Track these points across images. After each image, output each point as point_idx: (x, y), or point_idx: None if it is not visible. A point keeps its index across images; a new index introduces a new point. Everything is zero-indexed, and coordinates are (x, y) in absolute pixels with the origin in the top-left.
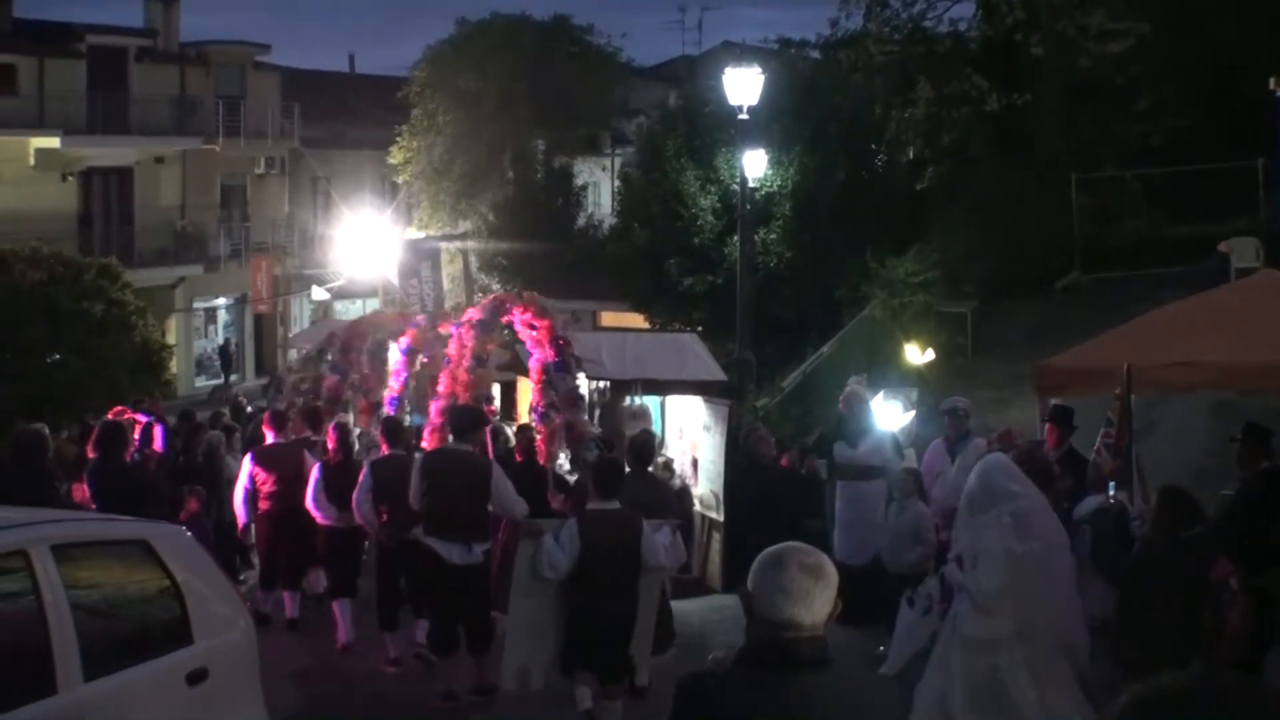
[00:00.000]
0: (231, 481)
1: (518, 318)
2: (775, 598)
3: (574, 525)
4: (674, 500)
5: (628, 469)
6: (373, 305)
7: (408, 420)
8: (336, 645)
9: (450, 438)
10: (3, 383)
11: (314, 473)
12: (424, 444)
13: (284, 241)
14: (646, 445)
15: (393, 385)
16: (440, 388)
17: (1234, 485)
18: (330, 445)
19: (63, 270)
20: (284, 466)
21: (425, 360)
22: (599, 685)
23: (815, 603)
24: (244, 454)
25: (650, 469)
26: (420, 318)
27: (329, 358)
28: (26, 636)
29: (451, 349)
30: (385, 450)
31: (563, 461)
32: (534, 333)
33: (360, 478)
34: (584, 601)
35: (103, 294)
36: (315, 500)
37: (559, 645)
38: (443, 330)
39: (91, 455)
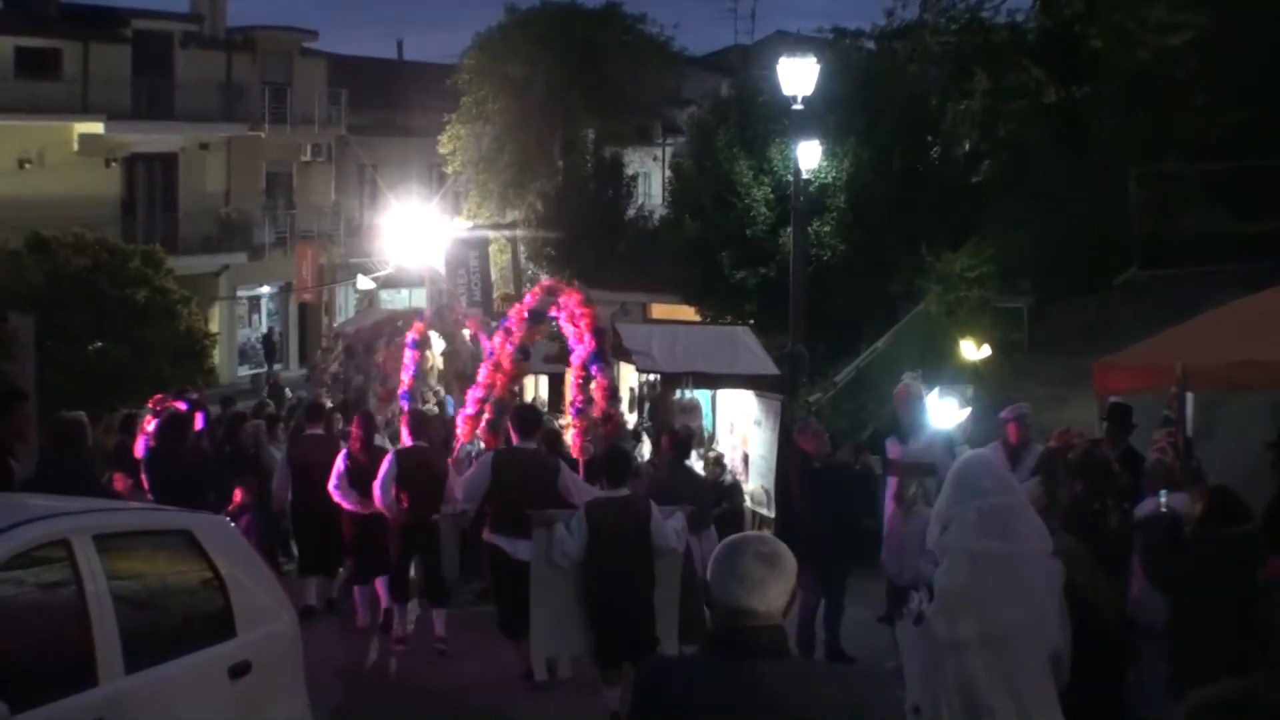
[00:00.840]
0: (272, 473)
1: (563, 309)
2: (731, 586)
3: (582, 512)
4: (705, 493)
5: (668, 459)
6: (419, 296)
7: (433, 407)
8: (356, 627)
9: (479, 430)
10: (46, 370)
11: (339, 460)
12: (458, 433)
13: (329, 230)
14: (687, 441)
15: (403, 379)
16: (481, 376)
17: None
18: (355, 434)
19: (107, 257)
20: (322, 457)
21: (444, 351)
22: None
23: (770, 591)
24: (288, 444)
25: (688, 462)
26: (427, 311)
27: (353, 358)
28: (67, 627)
29: (496, 339)
30: (409, 441)
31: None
32: (575, 326)
33: (383, 466)
34: (600, 587)
35: (146, 281)
36: (338, 486)
37: (584, 633)
38: (461, 319)
39: (151, 443)
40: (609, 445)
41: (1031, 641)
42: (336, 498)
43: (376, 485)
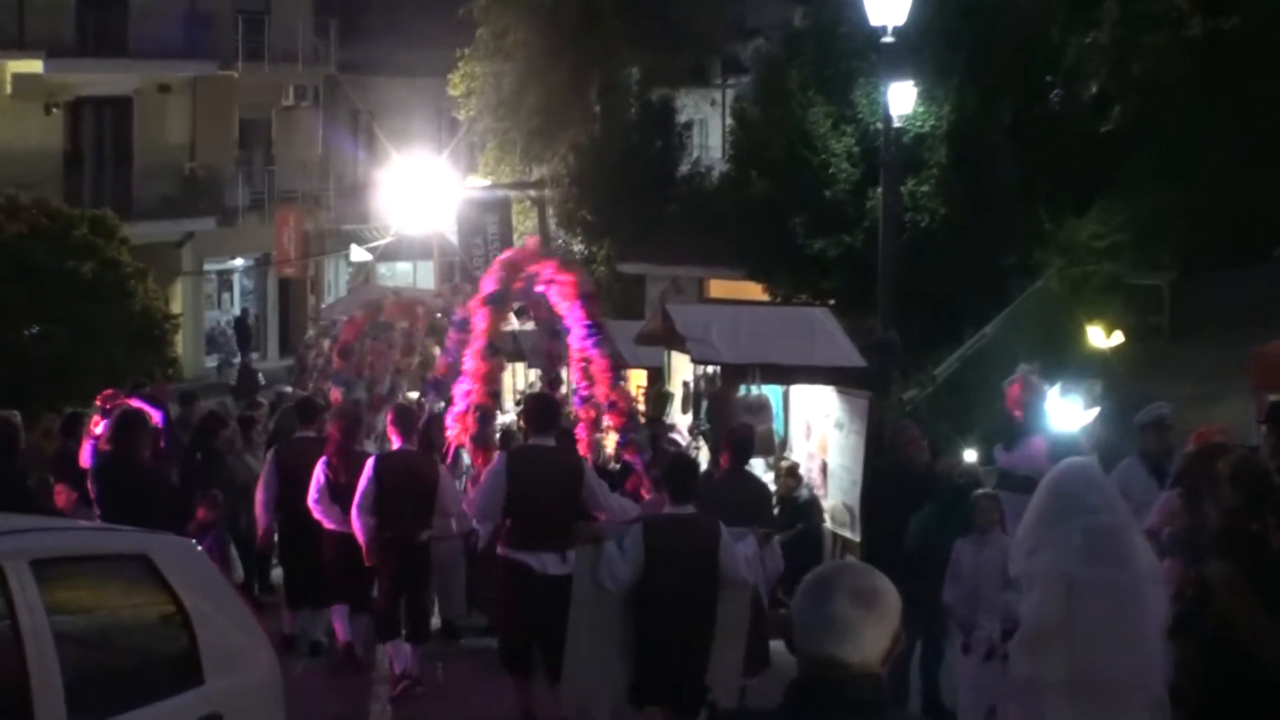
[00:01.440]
0: (248, 485)
1: (541, 282)
2: (818, 631)
3: (639, 531)
4: (770, 505)
5: (724, 467)
6: (425, 269)
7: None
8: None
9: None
10: None
11: (317, 470)
12: (448, 433)
13: (317, 190)
14: (746, 441)
15: (438, 362)
16: (467, 365)
17: None
18: (332, 436)
19: (47, 223)
20: (311, 464)
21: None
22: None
23: (865, 638)
24: (267, 449)
25: (748, 468)
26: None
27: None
28: None
29: (449, 338)
30: (398, 443)
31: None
32: (563, 300)
33: (363, 475)
34: (651, 620)
35: (94, 252)
36: (319, 501)
37: (625, 671)
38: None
39: (101, 449)
40: (675, 454)
41: (1134, 689)
42: (317, 514)
43: (355, 499)
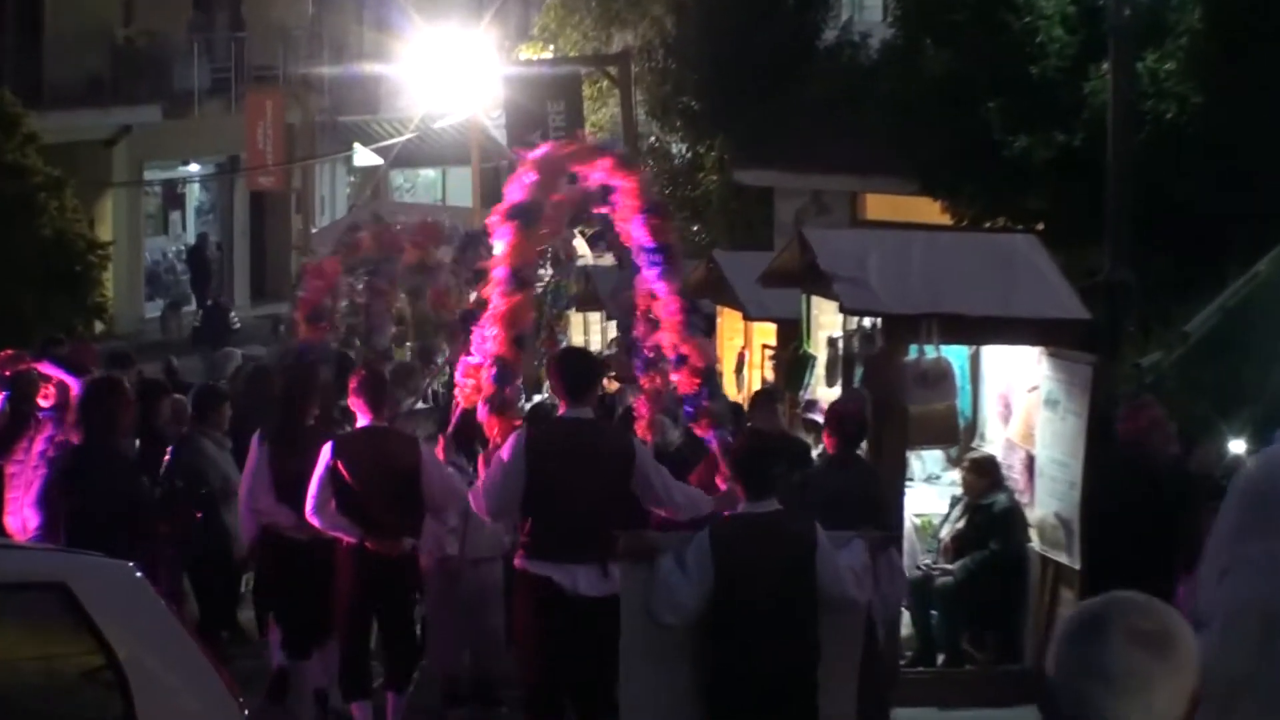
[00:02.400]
0: (217, 484)
1: (590, 182)
2: (1087, 686)
3: (704, 540)
4: (886, 504)
5: (830, 452)
6: (460, 179)
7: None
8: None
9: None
10: None
11: (252, 448)
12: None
13: (304, 68)
14: (855, 416)
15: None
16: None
17: None
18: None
19: None
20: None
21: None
22: None
23: (1156, 695)
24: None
25: (860, 454)
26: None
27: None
28: None
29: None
30: (367, 417)
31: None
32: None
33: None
34: (728, 659)
35: None
36: (251, 494)
37: None
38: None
39: (63, 438)
40: (749, 436)
41: None
42: (245, 515)
43: (309, 493)
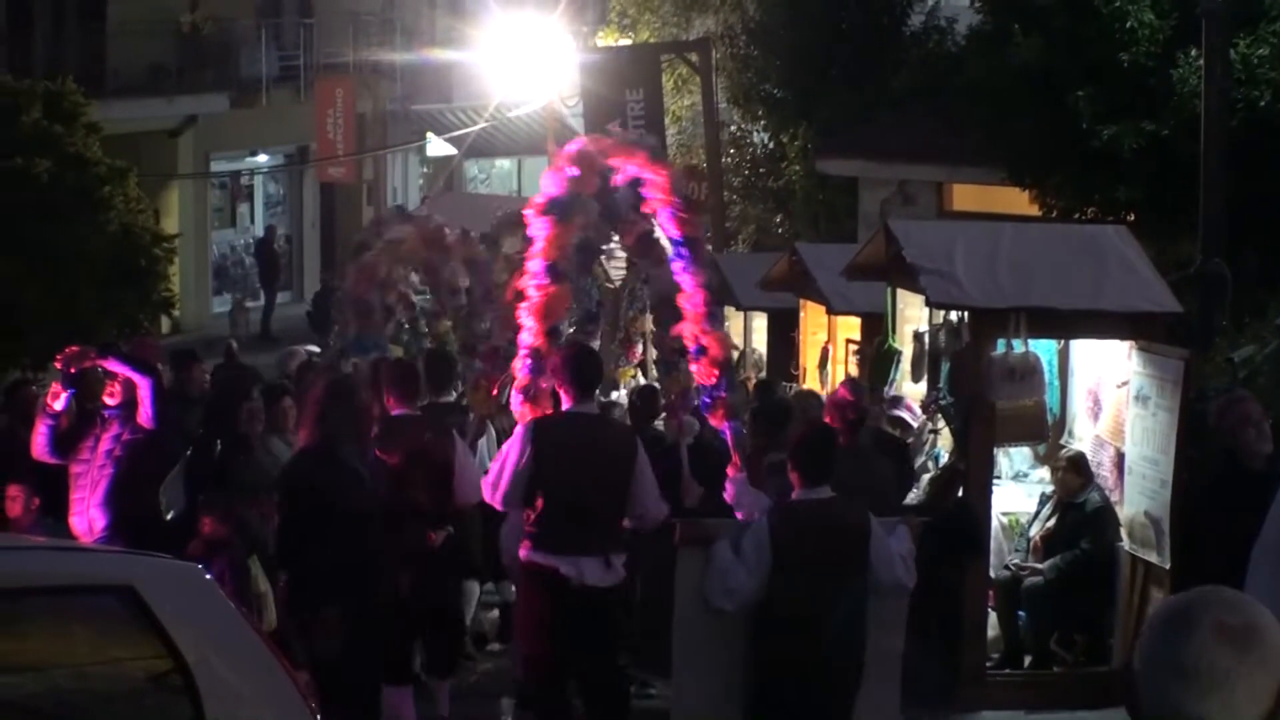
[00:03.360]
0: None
1: (623, 177)
2: (1170, 682)
3: (763, 526)
4: (896, 490)
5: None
6: (534, 167)
7: None
8: None
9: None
10: None
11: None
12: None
13: (375, 55)
14: (848, 405)
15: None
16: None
17: None
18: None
19: None
20: (418, 456)
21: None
22: None
23: (1239, 692)
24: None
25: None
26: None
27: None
28: None
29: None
30: (400, 407)
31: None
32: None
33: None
34: (780, 644)
35: (50, 144)
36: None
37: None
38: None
39: (60, 431)
40: (807, 426)
41: None
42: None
43: None
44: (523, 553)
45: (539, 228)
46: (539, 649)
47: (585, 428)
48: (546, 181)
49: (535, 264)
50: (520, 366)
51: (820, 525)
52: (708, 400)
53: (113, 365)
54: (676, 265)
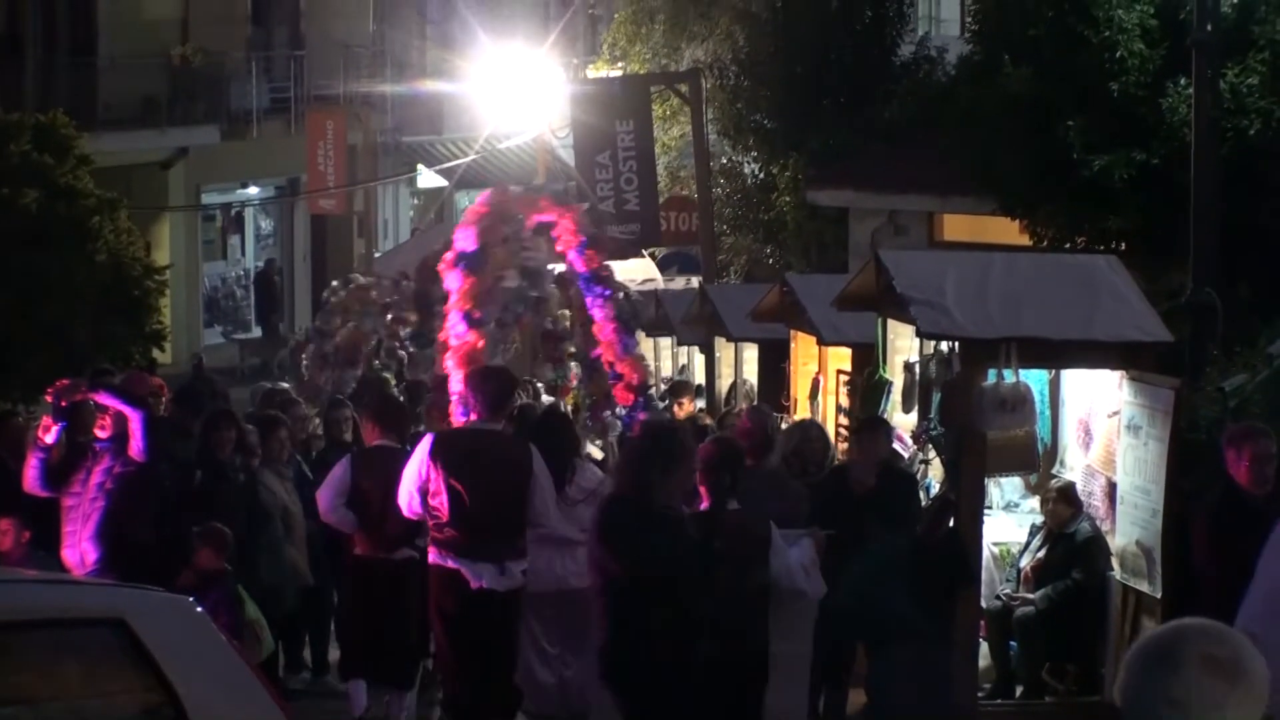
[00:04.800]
0: (269, 515)
1: (535, 219)
2: (1160, 712)
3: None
4: (805, 501)
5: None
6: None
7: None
8: None
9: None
10: None
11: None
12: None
13: (366, 87)
14: (763, 427)
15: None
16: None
17: None
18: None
19: None
20: (383, 478)
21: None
22: None
23: None
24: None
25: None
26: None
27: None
28: None
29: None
30: (375, 438)
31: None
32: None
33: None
34: (682, 645)
35: (41, 176)
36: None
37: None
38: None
39: (51, 464)
40: (713, 444)
41: None
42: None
43: (321, 498)
44: (430, 556)
45: (452, 280)
46: (442, 644)
47: (483, 441)
48: (459, 235)
49: (453, 315)
50: (455, 410)
51: (725, 534)
52: (627, 421)
53: (103, 398)
54: (590, 299)
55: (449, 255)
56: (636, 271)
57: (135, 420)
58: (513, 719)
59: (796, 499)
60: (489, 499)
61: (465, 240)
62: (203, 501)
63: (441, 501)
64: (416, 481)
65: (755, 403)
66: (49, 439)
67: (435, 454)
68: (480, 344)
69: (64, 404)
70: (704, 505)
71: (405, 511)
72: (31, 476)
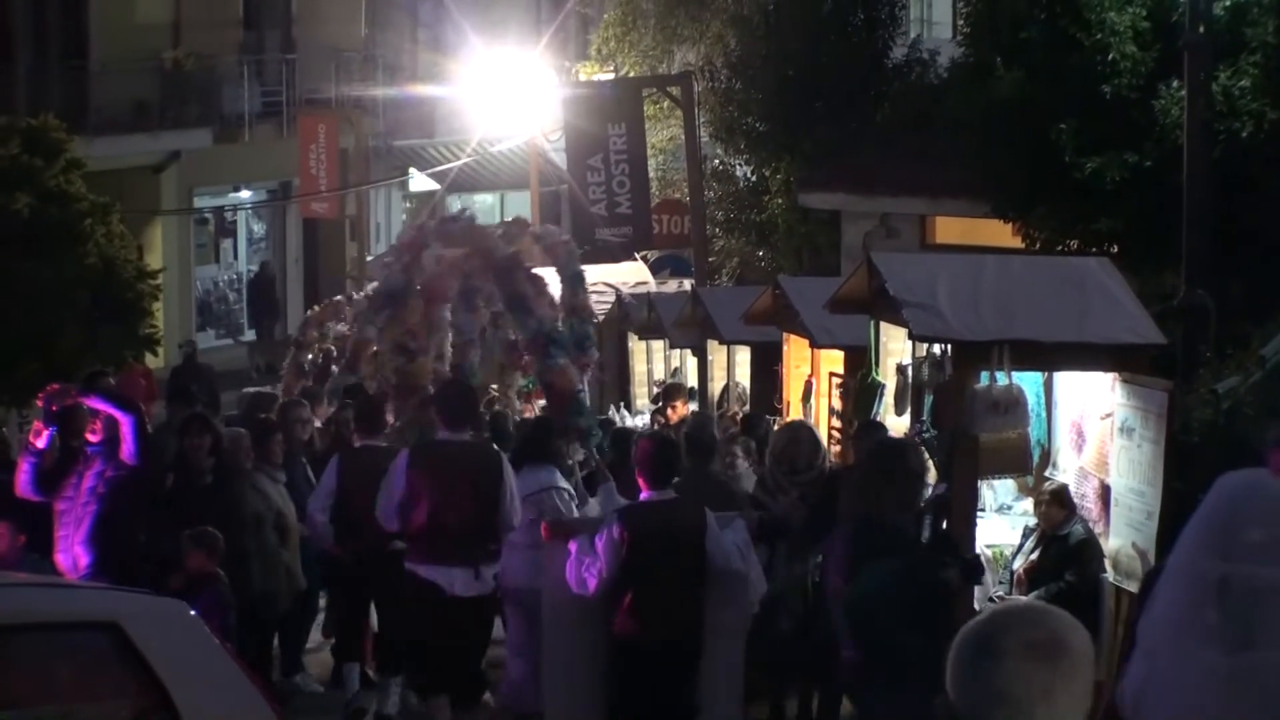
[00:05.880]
0: (261, 519)
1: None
2: (989, 709)
3: (616, 519)
4: (747, 504)
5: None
6: (517, 202)
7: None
8: None
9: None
10: None
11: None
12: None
13: (358, 91)
14: (702, 434)
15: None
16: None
17: None
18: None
19: None
20: (372, 478)
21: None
22: None
23: (1057, 700)
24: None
25: (713, 466)
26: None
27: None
28: None
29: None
30: (358, 439)
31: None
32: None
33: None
34: (634, 621)
35: (31, 179)
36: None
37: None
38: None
39: (43, 467)
40: (649, 438)
41: None
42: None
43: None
44: (406, 563)
45: (380, 320)
46: (415, 645)
47: (454, 452)
48: (377, 272)
49: (387, 348)
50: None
51: (663, 520)
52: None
53: (95, 403)
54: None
55: (373, 295)
56: (629, 274)
57: (126, 424)
58: (477, 703)
59: (737, 498)
60: (461, 506)
61: (382, 280)
62: (173, 504)
63: (418, 510)
64: (394, 494)
65: (747, 406)
66: (41, 443)
67: (411, 466)
68: (418, 371)
69: (55, 409)
70: (642, 496)
71: (385, 526)
72: (24, 481)
